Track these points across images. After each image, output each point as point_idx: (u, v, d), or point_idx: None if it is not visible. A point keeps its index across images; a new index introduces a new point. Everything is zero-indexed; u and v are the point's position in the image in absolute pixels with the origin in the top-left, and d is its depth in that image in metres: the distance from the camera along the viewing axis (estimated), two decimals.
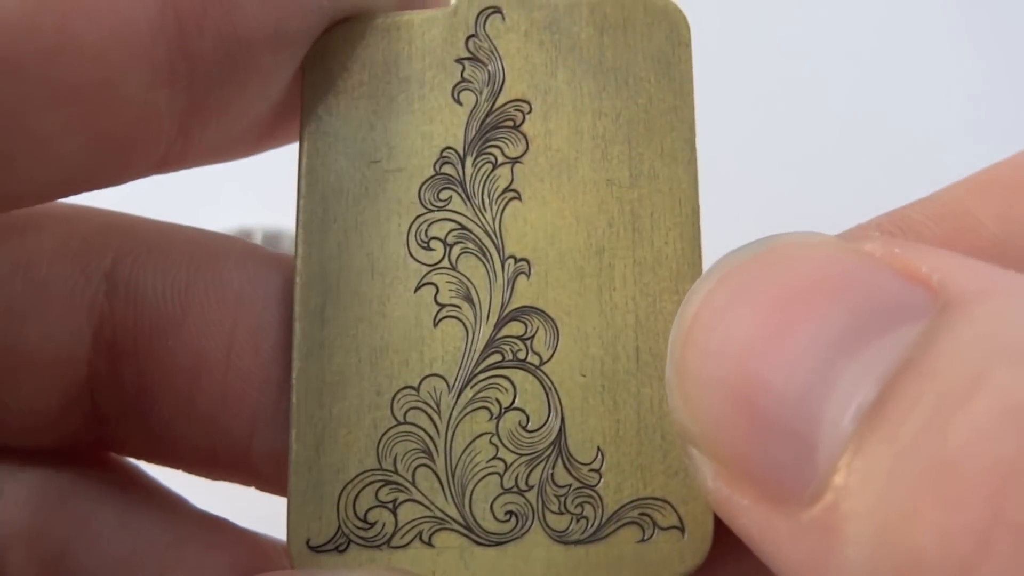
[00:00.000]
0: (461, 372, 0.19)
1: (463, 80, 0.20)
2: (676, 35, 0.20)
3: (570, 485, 0.18)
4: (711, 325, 0.15)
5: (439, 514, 0.19)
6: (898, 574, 0.13)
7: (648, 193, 0.19)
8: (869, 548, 0.14)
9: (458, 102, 0.20)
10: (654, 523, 0.18)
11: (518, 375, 0.19)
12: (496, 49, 0.20)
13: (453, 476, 0.19)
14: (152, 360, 0.21)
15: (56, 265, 0.21)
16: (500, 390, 0.19)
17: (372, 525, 0.19)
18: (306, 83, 0.21)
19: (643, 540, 0.18)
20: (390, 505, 0.19)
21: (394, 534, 0.19)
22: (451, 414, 0.19)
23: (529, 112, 0.20)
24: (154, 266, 0.21)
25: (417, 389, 0.19)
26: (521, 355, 0.19)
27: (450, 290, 0.20)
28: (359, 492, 0.19)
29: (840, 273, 0.15)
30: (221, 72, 0.19)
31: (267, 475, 0.21)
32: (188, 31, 0.19)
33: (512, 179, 0.20)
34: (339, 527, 0.19)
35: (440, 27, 0.21)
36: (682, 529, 0.18)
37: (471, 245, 0.20)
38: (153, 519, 0.22)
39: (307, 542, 0.19)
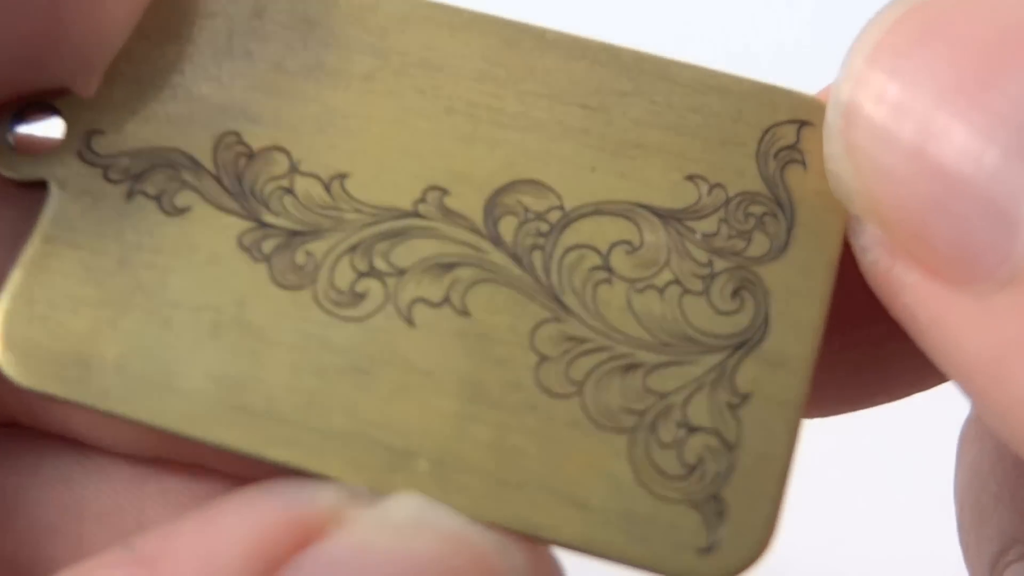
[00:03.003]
0: (543, 300, 0.15)
1: (159, 196, 0.15)
2: None
3: (720, 223, 0.15)
4: (895, 66, 0.13)
5: (713, 375, 0.14)
6: None
7: (400, 67, 0.16)
8: None
9: (182, 209, 0.15)
10: (789, 148, 0.15)
11: (569, 236, 0.15)
12: (135, 149, 0.15)
13: (671, 344, 0.14)
14: None
15: None
16: (582, 262, 0.15)
17: (700, 462, 0.14)
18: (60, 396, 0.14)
19: (805, 166, 0.15)
20: (683, 430, 0.14)
21: (722, 439, 0.14)
22: (594, 323, 0.14)
23: (240, 137, 0.16)
24: None
25: (547, 357, 0.14)
26: (545, 228, 0.15)
27: (430, 284, 0.15)
28: (654, 468, 0.14)
29: None
30: None
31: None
32: None
33: (319, 176, 0.15)
34: (693, 505, 0.14)
35: (72, 204, 0.15)
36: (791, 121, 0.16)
37: (382, 245, 0.15)
38: (118, 461, 0.18)
39: (699, 551, 0.13)
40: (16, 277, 0.15)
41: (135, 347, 0.14)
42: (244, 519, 0.13)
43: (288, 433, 0.14)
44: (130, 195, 0.15)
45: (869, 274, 0.14)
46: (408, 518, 0.13)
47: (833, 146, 0.14)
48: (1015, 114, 0.12)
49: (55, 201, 0.15)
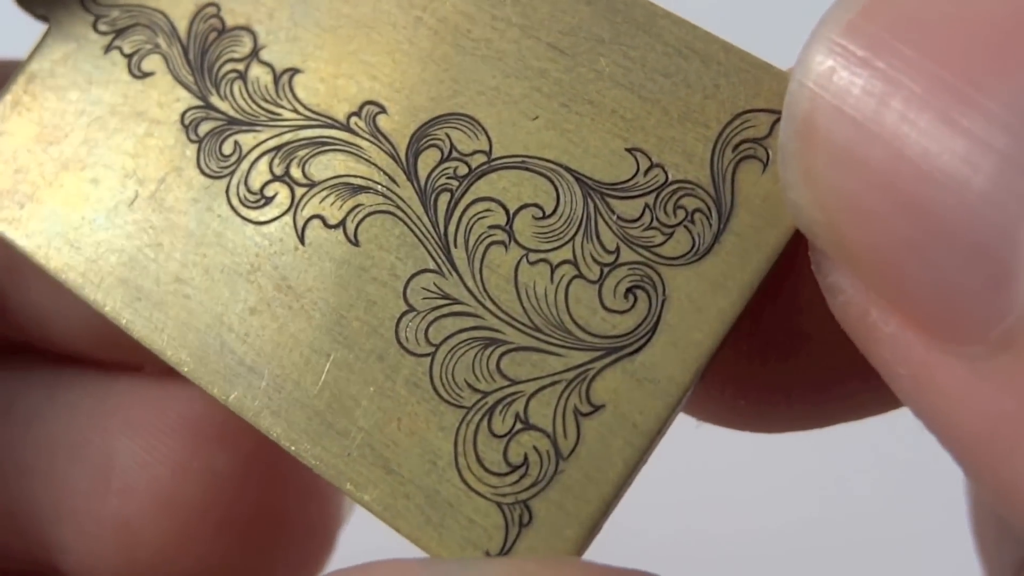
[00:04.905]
0: (433, 247, 0.14)
1: (131, 55, 0.15)
2: None
3: (645, 209, 0.13)
4: (854, 77, 0.11)
5: (572, 374, 0.13)
6: None
7: None
8: None
9: (147, 73, 0.15)
10: (755, 141, 0.13)
11: (483, 186, 0.14)
12: (128, 4, 0.16)
13: (542, 330, 0.13)
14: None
15: None
16: (486, 217, 0.14)
17: (524, 463, 0.13)
18: None
19: (766, 166, 0.13)
20: (519, 424, 0.13)
21: (555, 445, 0.13)
22: (473, 285, 0.13)
23: (219, 11, 0.15)
24: None
25: (414, 309, 0.14)
26: (463, 171, 0.14)
27: (333, 203, 0.14)
28: (476, 456, 0.13)
29: None
30: None
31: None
32: None
33: (273, 67, 0.15)
34: (499, 507, 0.13)
35: (60, 47, 0.16)
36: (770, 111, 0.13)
37: (303, 151, 0.14)
38: (88, 390, 0.19)
39: (487, 554, 0.13)
40: None
41: (63, 199, 0.15)
42: None
43: (158, 318, 0.14)
44: (108, 49, 0.16)
45: (841, 318, 0.12)
46: None
47: (789, 172, 0.11)
48: (1005, 136, 0.10)
49: (47, 41, 0.16)
